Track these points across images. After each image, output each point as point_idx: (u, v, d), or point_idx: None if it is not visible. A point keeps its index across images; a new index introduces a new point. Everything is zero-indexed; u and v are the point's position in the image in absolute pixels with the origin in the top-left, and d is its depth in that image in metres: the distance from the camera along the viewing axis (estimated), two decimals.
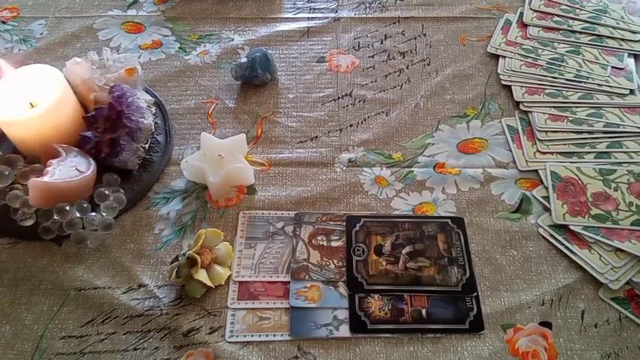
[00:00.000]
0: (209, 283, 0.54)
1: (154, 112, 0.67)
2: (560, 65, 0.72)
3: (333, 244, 0.59)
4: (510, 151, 0.66)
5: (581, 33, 0.76)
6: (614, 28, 0.77)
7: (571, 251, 0.57)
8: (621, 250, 0.57)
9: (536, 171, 0.64)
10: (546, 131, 0.66)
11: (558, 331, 0.53)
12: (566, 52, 0.74)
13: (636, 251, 0.56)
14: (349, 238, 0.59)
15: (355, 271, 0.56)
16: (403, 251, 0.58)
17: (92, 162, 0.59)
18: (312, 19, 0.80)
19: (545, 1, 0.81)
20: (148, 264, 0.57)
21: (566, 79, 0.71)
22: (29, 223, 0.57)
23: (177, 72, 0.74)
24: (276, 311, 0.54)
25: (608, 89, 0.70)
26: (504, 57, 0.74)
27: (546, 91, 0.70)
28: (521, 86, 0.71)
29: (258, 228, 0.60)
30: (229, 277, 0.56)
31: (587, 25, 0.77)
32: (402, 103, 0.71)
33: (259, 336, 0.53)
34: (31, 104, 0.59)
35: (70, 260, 0.57)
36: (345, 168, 0.65)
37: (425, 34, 0.78)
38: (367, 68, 0.75)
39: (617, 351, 0.52)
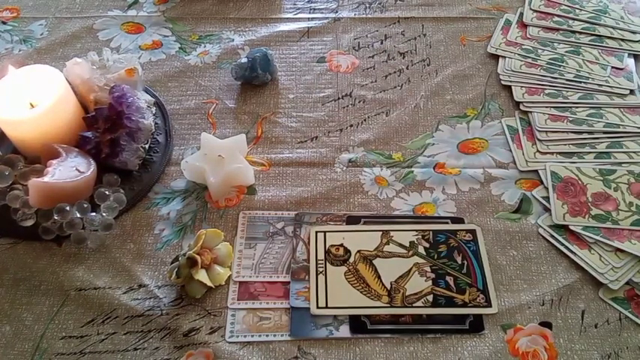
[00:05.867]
0: (209, 284, 0.54)
1: (154, 112, 0.67)
2: (560, 65, 0.72)
3: None
4: (510, 151, 0.66)
5: (581, 33, 0.76)
6: (613, 28, 0.77)
7: (571, 251, 0.57)
8: (621, 250, 0.57)
9: (536, 171, 0.64)
10: (546, 131, 0.66)
11: (558, 331, 0.53)
12: (566, 52, 0.74)
13: (636, 251, 0.56)
14: None
15: None
16: None
17: (92, 162, 0.59)
18: (312, 19, 0.80)
19: (545, 1, 0.81)
20: (148, 264, 0.57)
21: (566, 80, 0.71)
22: (29, 223, 0.57)
23: (177, 72, 0.74)
24: (276, 311, 0.54)
25: (608, 89, 0.70)
26: (504, 57, 0.75)
27: (546, 92, 0.70)
28: (521, 86, 0.71)
29: (258, 228, 0.60)
30: (229, 277, 0.56)
31: (587, 25, 0.77)
32: (402, 104, 0.71)
33: (259, 336, 0.53)
34: (31, 104, 0.59)
35: (70, 260, 0.58)
36: (345, 168, 0.65)
37: (425, 35, 0.78)
38: (367, 68, 0.75)
39: (617, 351, 0.52)
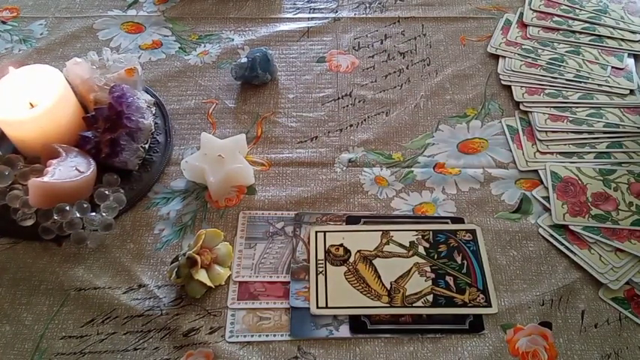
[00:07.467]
0: (209, 283, 0.54)
1: (153, 112, 0.67)
2: (560, 65, 0.72)
3: None
4: (510, 151, 0.66)
5: (581, 33, 0.76)
6: (613, 28, 0.77)
7: (571, 251, 0.57)
8: (621, 250, 0.57)
9: (536, 171, 0.64)
10: (546, 131, 0.66)
11: (558, 331, 0.53)
12: (566, 52, 0.74)
13: (636, 251, 0.56)
14: None
15: None
16: None
17: (92, 162, 0.59)
18: (312, 19, 0.80)
19: (545, 1, 0.81)
20: (148, 264, 0.57)
21: (566, 79, 0.71)
22: (29, 223, 0.57)
23: (177, 72, 0.74)
24: (276, 311, 0.54)
25: (608, 89, 0.70)
26: (504, 57, 0.74)
27: (546, 91, 0.70)
28: (521, 86, 0.71)
29: (258, 228, 0.60)
30: (229, 277, 0.56)
31: (587, 25, 0.77)
32: (402, 103, 0.71)
33: (259, 336, 0.53)
34: (31, 104, 0.59)
35: (70, 260, 0.57)
36: (345, 168, 0.65)
37: (425, 34, 0.78)
38: (367, 68, 0.75)
39: (617, 351, 0.52)
